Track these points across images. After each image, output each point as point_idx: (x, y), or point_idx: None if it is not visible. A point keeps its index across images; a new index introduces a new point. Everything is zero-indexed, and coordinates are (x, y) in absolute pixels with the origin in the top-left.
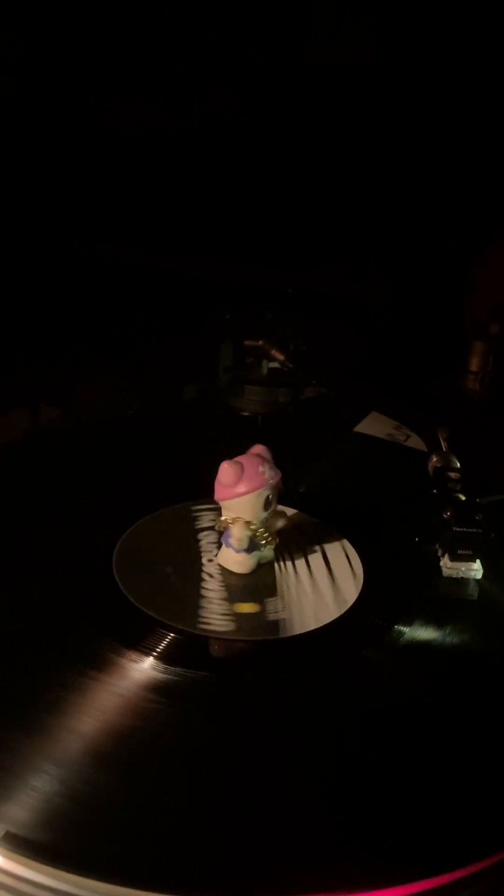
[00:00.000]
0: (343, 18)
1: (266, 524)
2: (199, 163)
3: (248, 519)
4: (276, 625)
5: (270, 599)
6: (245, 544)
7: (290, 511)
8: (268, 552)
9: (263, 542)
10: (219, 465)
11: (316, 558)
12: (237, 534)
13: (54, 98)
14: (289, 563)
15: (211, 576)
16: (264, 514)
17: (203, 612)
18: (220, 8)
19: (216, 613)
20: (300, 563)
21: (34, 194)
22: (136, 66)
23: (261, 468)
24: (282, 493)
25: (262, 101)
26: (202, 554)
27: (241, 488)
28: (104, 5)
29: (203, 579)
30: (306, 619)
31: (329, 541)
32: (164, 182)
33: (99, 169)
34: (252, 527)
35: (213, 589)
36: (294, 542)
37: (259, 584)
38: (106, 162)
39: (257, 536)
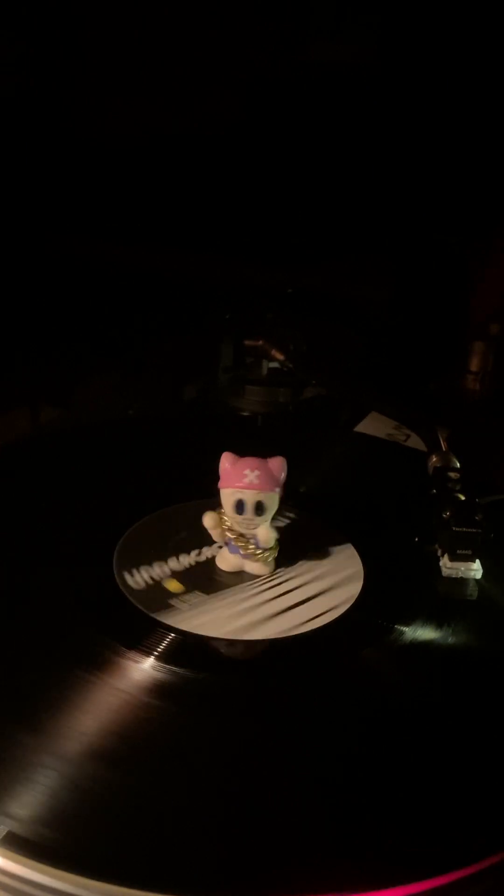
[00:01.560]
0: (343, 18)
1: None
2: (198, 163)
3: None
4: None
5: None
6: (272, 541)
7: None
8: (270, 555)
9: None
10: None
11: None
12: (265, 534)
13: (54, 98)
14: (289, 563)
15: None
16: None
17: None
18: (220, 8)
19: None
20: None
21: (34, 194)
22: (136, 66)
23: (272, 474)
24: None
25: (262, 101)
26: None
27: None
28: (104, 5)
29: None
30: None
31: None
32: (164, 182)
33: (99, 169)
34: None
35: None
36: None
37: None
38: (106, 162)
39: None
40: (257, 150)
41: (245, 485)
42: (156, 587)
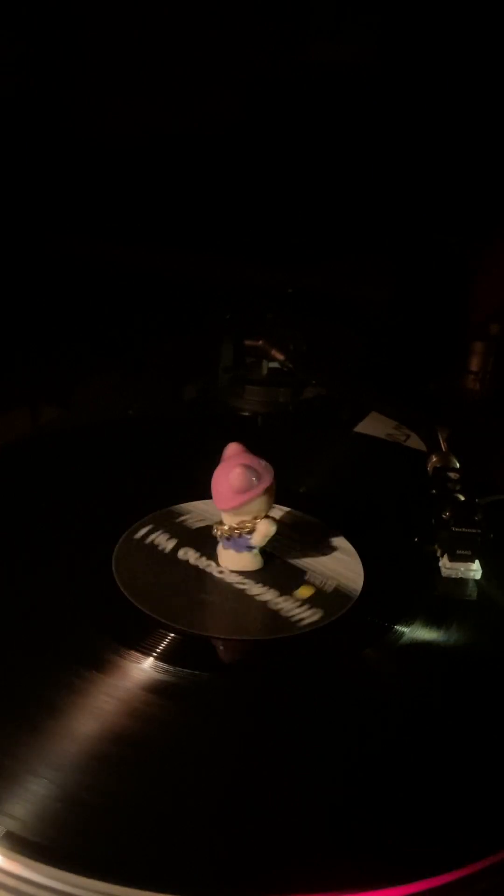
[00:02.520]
0: (343, 18)
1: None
2: (199, 163)
3: (266, 514)
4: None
5: (271, 599)
6: (265, 541)
7: (283, 511)
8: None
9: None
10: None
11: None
12: (266, 529)
13: (54, 98)
14: (289, 563)
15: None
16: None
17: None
18: (220, 8)
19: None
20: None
21: (34, 194)
22: (135, 65)
23: (260, 461)
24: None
25: (262, 101)
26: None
27: (262, 485)
28: (104, 5)
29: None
30: (306, 619)
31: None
32: (164, 182)
33: (99, 169)
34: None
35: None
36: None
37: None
38: (106, 162)
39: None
40: (257, 151)
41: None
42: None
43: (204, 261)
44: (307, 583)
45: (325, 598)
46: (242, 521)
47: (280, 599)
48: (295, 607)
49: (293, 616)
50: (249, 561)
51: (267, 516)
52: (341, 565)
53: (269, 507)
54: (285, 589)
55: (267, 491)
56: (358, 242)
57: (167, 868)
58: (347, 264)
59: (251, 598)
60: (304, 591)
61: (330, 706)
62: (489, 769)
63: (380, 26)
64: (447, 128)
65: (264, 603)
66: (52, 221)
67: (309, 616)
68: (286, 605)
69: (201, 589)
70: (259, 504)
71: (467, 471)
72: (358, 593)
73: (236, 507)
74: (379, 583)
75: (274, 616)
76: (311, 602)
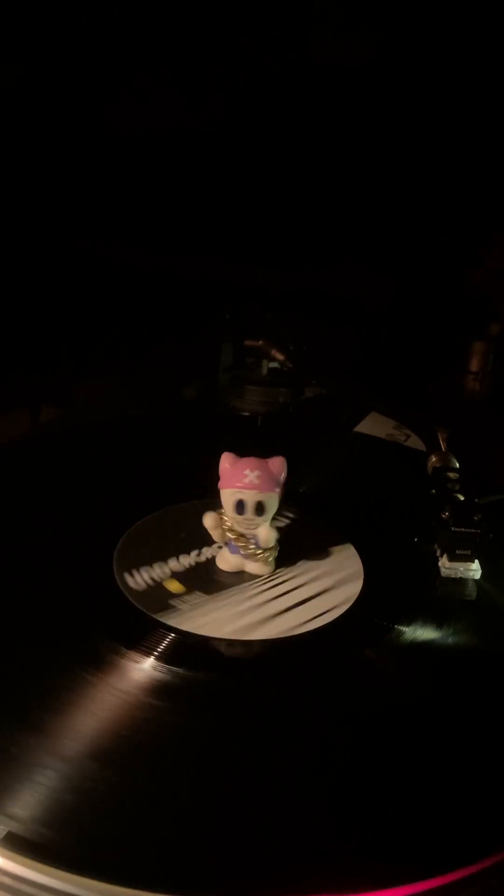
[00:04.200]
0: (344, 18)
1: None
2: (199, 163)
3: (269, 518)
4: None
5: (271, 600)
6: (273, 540)
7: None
8: (270, 555)
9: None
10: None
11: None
12: (265, 534)
13: (55, 98)
14: (289, 564)
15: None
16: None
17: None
18: (220, 8)
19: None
20: (300, 563)
21: (35, 194)
22: (137, 65)
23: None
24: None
25: (263, 101)
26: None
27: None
28: (104, 5)
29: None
30: (306, 619)
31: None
32: (165, 182)
33: (99, 169)
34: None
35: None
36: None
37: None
38: (106, 162)
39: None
40: (257, 151)
41: (245, 485)
42: (157, 588)
43: (204, 261)
44: (173, 577)
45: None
46: (250, 524)
47: (280, 599)
48: (295, 607)
49: (293, 616)
50: (251, 565)
51: (269, 524)
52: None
53: (272, 514)
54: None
55: (257, 495)
56: (358, 243)
57: (167, 868)
58: (347, 264)
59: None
60: (172, 585)
61: (330, 706)
62: (489, 769)
63: (380, 27)
64: (447, 128)
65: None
66: (53, 221)
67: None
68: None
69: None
70: (273, 501)
71: (467, 471)
72: (358, 593)
73: (274, 491)
74: (379, 583)
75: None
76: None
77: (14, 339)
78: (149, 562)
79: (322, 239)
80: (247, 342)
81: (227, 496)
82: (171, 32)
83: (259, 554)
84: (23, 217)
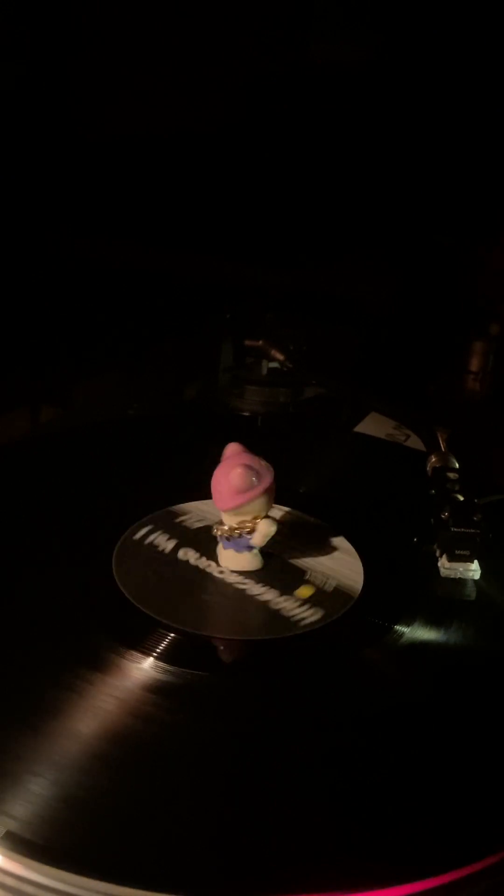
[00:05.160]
0: (344, 18)
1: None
2: (199, 163)
3: (265, 514)
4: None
5: (270, 599)
6: (265, 541)
7: (283, 510)
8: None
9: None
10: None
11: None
12: (266, 529)
13: (54, 98)
14: (289, 563)
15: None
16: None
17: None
18: (219, 8)
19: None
20: (300, 562)
21: (35, 194)
22: (138, 65)
23: (260, 461)
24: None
25: (263, 101)
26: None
27: (262, 485)
28: (104, 5)
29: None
30: (306, 619)
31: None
32: (164, 182)
33: (99, 169)
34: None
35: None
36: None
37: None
38: (106, 162)
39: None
40: (257, 151)
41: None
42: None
43: (204, 261)
44: (307, 582)
45: (325, 597)
46: (242, 522)
47: (280, 599)
48: (295, 607)
49: (293, 616)
50: (249, 561)
51: (267, 516)
52: (341, 565)
53: (269, 507)
54: (285, 589)
55: (267, 491)
56: (358, 243)
57: (167, 868)
58: (347, 264)
59: (251, 598)
60: (305, 591)
61: (330, 706)
62: (489, 769)
63: (381, 26)
64: (447, 128)
65: (264, 603)
66: (53, 221)
67: (309, 616)
68: (286, 605)
69: (201, 589)
70: (259, 504)
71: (467, 471)
72: (358, 593)
73: (236, 507)
74: (379, 583)
75: (274, 616)
76: (311, 602)
77: (14, 339)
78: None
79: (322, 239)
80: (247, 342)
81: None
82: (171, 32)
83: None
84: (23, 217)
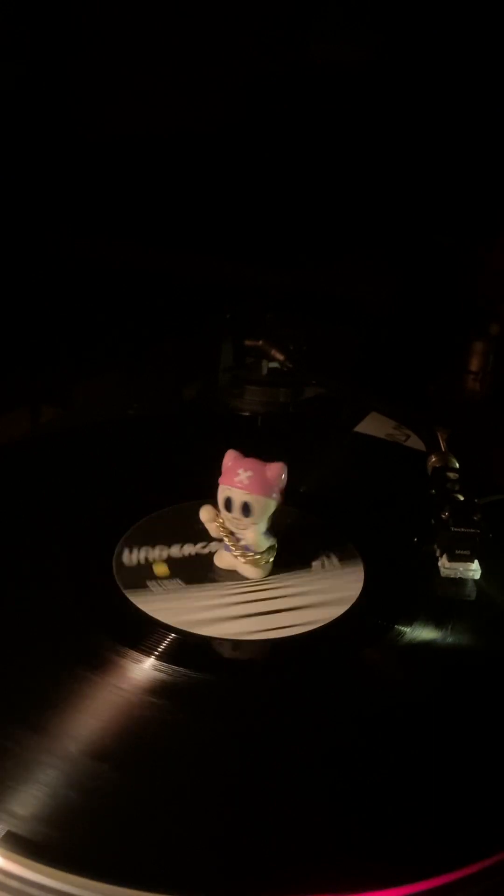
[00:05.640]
0: (344, 18)
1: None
2: (198, 163)
3: (258, 521)
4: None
5: (269, 599)
6: (263, 546)
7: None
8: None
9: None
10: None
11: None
12: (253, 538)
13: (54, 98)
14: (289, 563)
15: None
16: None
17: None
18: (219, 8)
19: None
20: (300, 562)
21: (35, 194)
22: (138, 65)
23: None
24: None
25: (263, 101)
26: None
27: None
28: (104, 5)
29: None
30: (306, 619)
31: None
32: (164, 182)
33: (99, 169)
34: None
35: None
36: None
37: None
38: (106, 162)
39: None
40: (257, 151)
41: (234, 483)
42: (144, 567)
43: (204, 261)
44: (165, 561)
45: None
46: (238, 524)
47: (281, 599)
48: (295, 607)
49: (292, 616)
50: (241, 566)
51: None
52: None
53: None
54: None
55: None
56: (358, 243)
57: (167, 868)
58: (347, 264)
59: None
60: (160, 569)
61: (330, 706)
62: (489, 769)
63: (381, 27)
64: (447, 128)
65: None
66: (52, 221)
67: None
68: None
69: (183, 578)
70: (261, 505)
71: (467, 471)
72: (358, 593)
73: (264, 495)
74: (379, 583)
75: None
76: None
77: (14, 339)
78: (152, 543)
79: (322, 239)
80: (247, 342)
81: (219, 492)
82: (171, 32)
83: (248, 556)
84: (23, 217)
